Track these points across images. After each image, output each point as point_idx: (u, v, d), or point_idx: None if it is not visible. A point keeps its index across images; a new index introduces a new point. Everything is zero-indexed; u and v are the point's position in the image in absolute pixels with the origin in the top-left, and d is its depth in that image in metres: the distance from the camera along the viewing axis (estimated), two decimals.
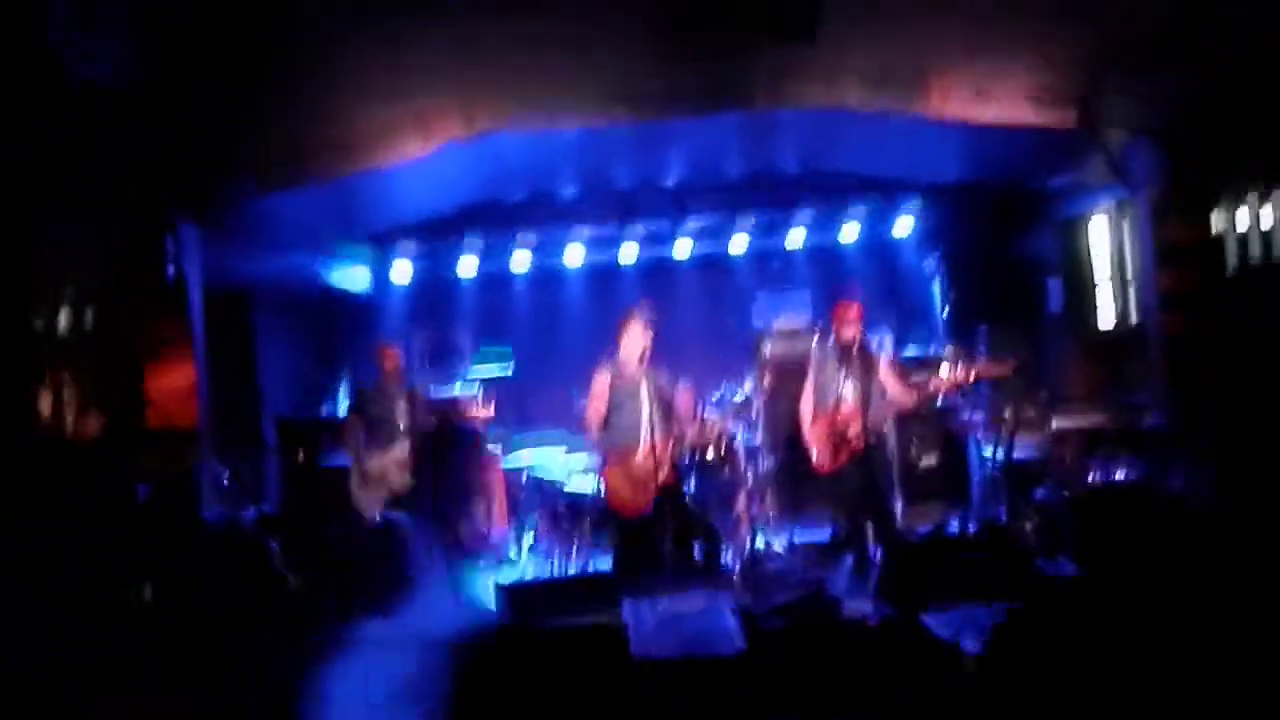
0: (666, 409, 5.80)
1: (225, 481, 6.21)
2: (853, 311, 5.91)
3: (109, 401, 4.87)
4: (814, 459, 5.97)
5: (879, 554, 5.79)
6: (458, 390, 8.39)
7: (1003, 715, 3.63)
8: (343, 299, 8.98)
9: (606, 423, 5.79)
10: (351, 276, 8.84)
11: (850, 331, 5.86)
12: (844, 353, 5.85)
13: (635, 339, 5.72)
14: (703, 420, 6.33)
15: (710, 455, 6.66)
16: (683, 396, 7.33)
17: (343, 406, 7.98)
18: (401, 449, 5.98)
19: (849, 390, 5.79)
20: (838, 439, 5.84)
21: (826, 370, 5.96)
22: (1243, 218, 4.98)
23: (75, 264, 4.71)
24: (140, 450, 5.04)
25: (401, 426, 6.01)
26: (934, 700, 4.08)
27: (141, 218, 5.13)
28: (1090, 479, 5.96)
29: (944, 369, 5.72)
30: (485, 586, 5.98)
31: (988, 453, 7.02)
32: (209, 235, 5.72)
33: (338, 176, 5.53)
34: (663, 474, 5.67)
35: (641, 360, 5.74)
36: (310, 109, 5.14)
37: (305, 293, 8.53)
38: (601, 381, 5.79)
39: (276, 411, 7.99)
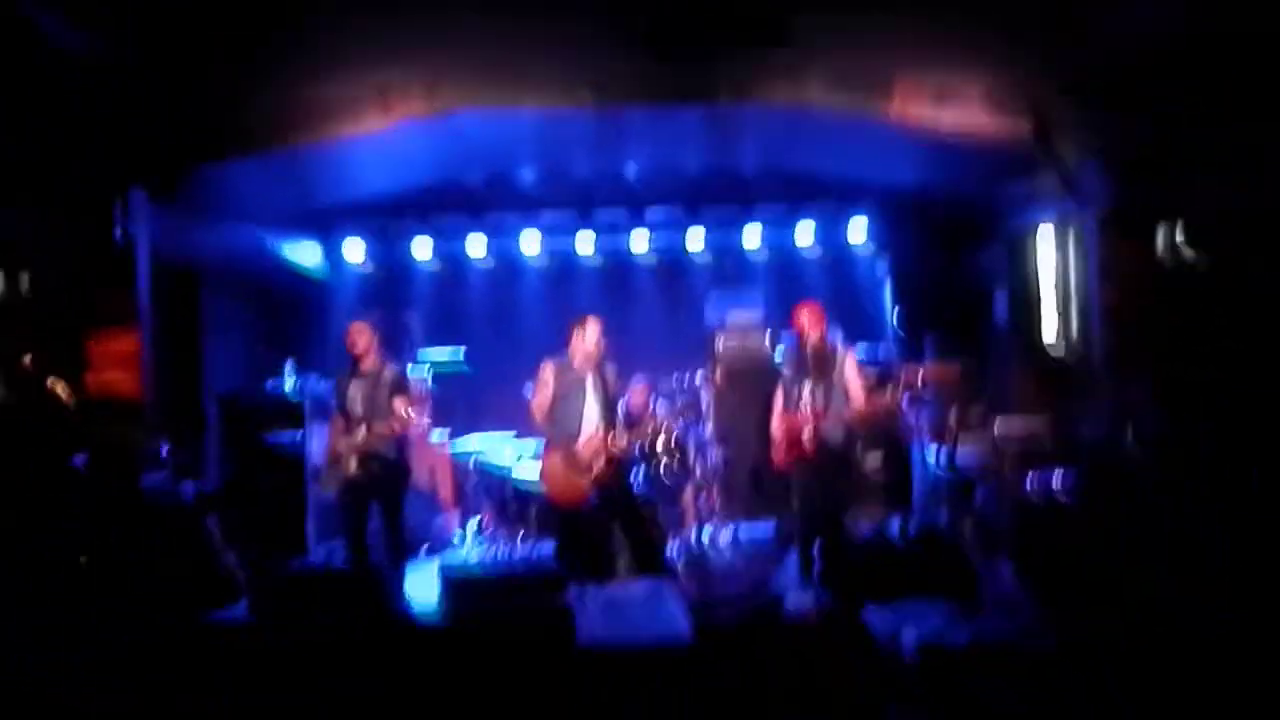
0: (610, 404, 5.90)
1: (164, 455, 6.09)
2: (805, 314, 5.97)
3: (50, 367, 4.74)
4: (775, 455, 6.02)
5: (822, 552, 5.87)
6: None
7: (940, 706, 3.71)
8: (292, 276, 8.82)
9: (550, 413, 5.85)
10: (302, 254, 8.69)
11: (813, 333, 5.91)
12: (802, 354, 5.90)
13: (587, 342, 5.82)
14: (654, 414, 6.37)
15: (660, 448, 6.70)
16: (637, 392, 7.38)
17: (288, 384, 7.82)
18: (359, 436, 5.76)
19: (808, 392, 5.85)
20: (794, 440, 5.90)
21: (788, 370, 6.03)
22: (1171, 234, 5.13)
23: (22, 226, 4.57)
24: (80, 418, 4.91)
25: (359, 413, 5.80)
26: (874, 692, 4.16)
27: (92, 183, 4.98)
28: (1028, 486, 6.09)
29: (906, 376, 5.80)
30: (430, 573, 5.92)
31: (930, 457, 7.16)
32: (159, 204, 5.58)
33: (294, 147, 5.43)
34: (599, 466, 5.74)
35: (589, 359, 5.84)
36: (269, 79, 5.04)
37: (254, 268, 8.36)
38: (548, 371, 5.86)
39: (219, 388, 7.83)
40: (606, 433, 5.79)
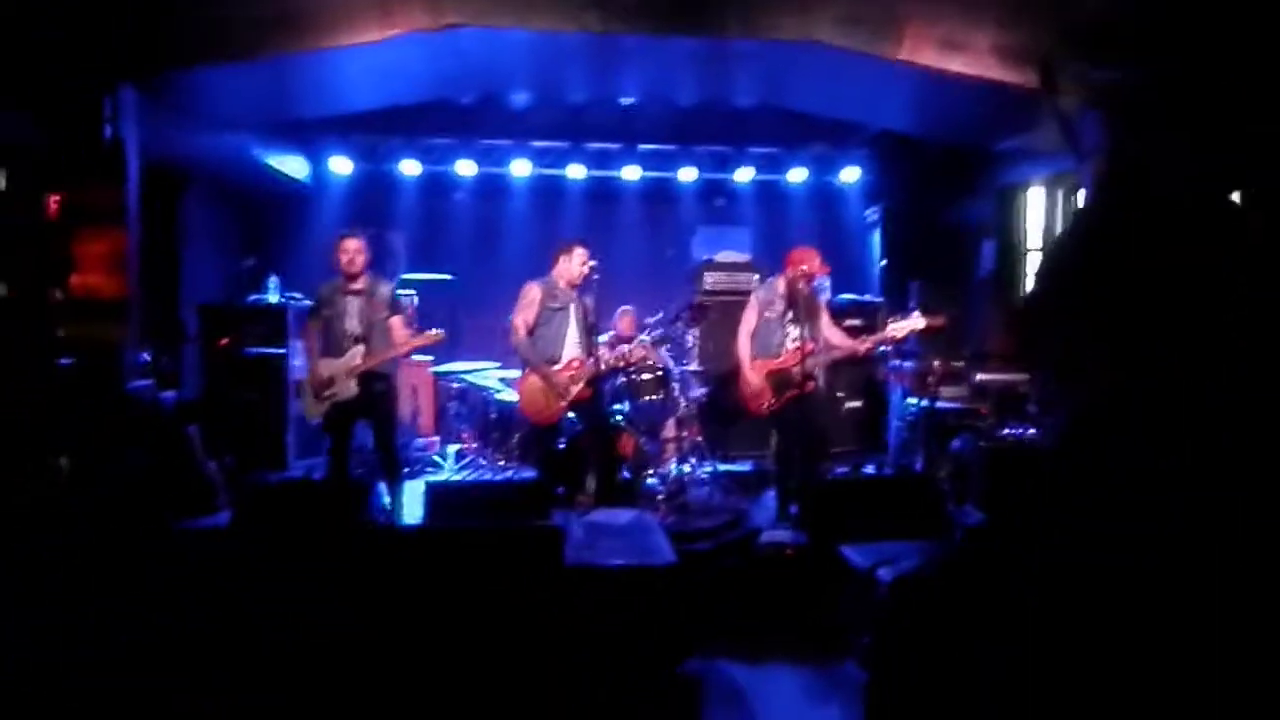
0: (590, 331, 5.99)
1: (145, 361, 6.05)
2: (815, 258, 5.98)
3: (36, 265, 4.65)
4: (750, 398, 6.06)
5: (799, 489, 5.97)
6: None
7: (911, 640, 3.83)
8: (277, 186, 8.69)
9: (530, 334, 5.92)
10: (289, 163, 8.54)
11: (807, 277, 5.93)
12: (793, 296, 5.92)
13: (572, 268, 5.88)
14: (638, 344, 6.41)
15: (644, 378, 6.74)
16: (624, 319, 7.41)
17: (271, 297, 7.75)
18: (354, 355, 5.61)
19: (794, 333, 5.90)
20: (779, 380, 5.95)
21: (771, 312, 6.03)
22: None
23: (7, 122, 4.45)
24: (65, 319, 4.84)
25: (356, 331, 5.63)
26: (847, 621, 4.28)
27: (80, 79, 4.84)
28: (1004, 434, 6.21)
29: (892, 323, 5.85)
30: (411, 492, 5.96)
31: (910, 402, 7.26)
32: (147, 103, 5.44)
33: (289, 53, 5.29)
34: (577, 389, 5.86)
35: (573, 285, 5.92)
36: None
37: (239, 175, 8.22)
38: (534, 293, 5.89)
39: (199, 297, 7.75)
40: (585, 358, 5.88)
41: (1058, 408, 1.08)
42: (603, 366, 6.03)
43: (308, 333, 5.83)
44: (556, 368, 5.88)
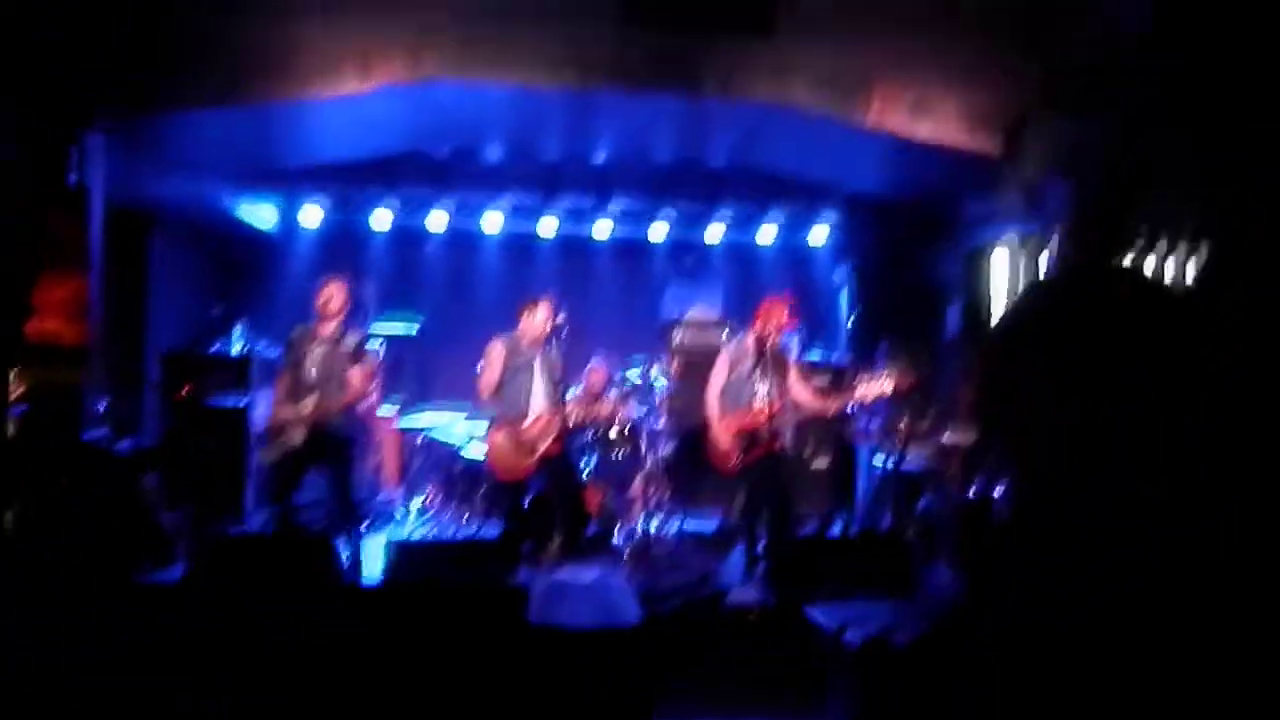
0: (557, 385, 6.00)
1: (102, 410, 5.90)
2: (783, 310, 6.01)
3: None
4: (718, 455, 6.03)
5: (766, 549, 5.92)
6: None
7: (883, 701, 3.77)
8: (247, 235, 8.63)
9: (497, 391, 5.94)
10: (259, 213, 8.49)
11: (777, 329, 5.96)
12: (761, 350, 5.93)
13: (535, 323, 5.93)
14: (609, 399, 6.39)
15: (613, 435, 6.70)
16: (595, 372, 7.38)
17: (236, 347, 7.64)
18: (310, 403, 5.52)
19: (763, 390, 5.89)
20: (748, 438, 5.93)
21: (741, 368, 6.03)
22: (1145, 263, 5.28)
23: None
24: (20, 364, 4.72)
25: (311, 380, 5.56)
26: (815, 683, 4.21)
27: (47, 122, 4.79)
28: (971, 493, 6.21)
29: (863, 384, 5.87)
30: (370, 546, 5.83)
31: (878, 461, 7.26)
32: (116, 148, 5.39)
33: (267, 102, 5.29)
34: (545, 445, 5.84)
35: (537, 340, 5.96)
36: (249, 28, 4.89)
37: (208, 223, 8.15)
38: (497, 350, 5.93)
39: (162, 344, 7.62)
40: (553, 413, 5.85)
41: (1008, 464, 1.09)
42: (571, 423, 6.01)
43: (280, 377, 5.77)
44: (525, 424, 5.85)
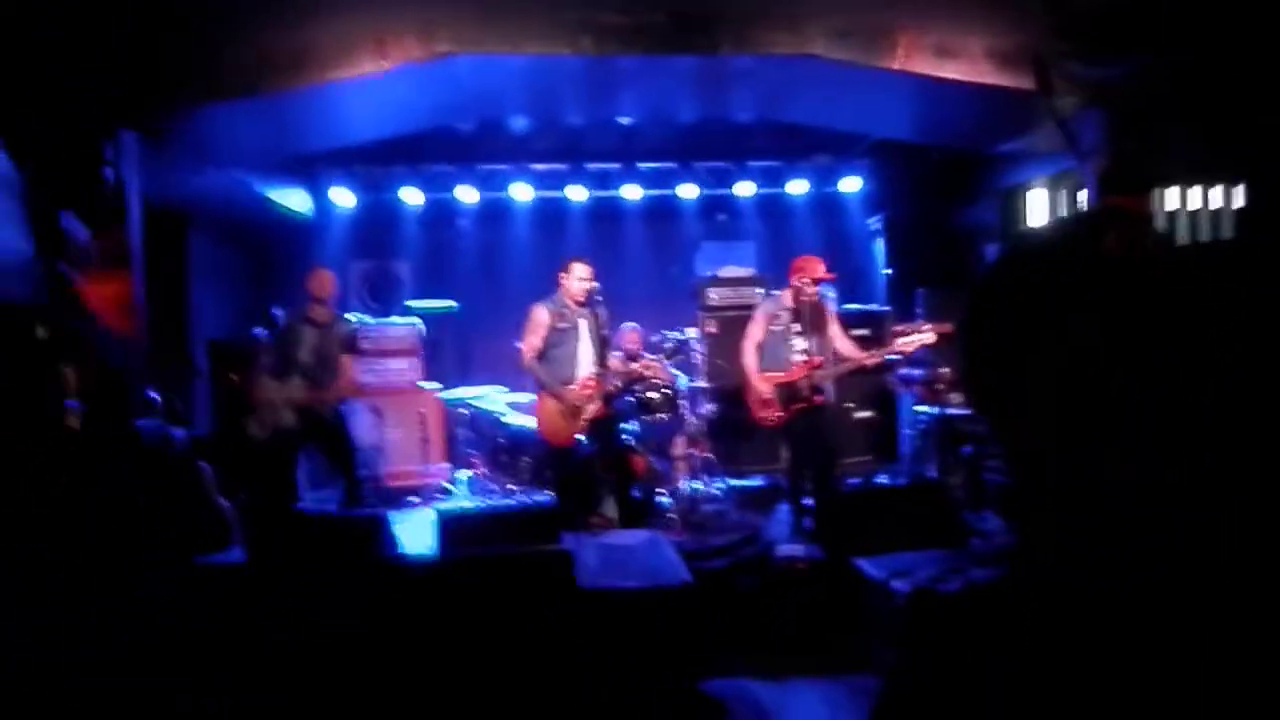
0: (603, 347, 5.94)
1: (155, 401, 6.06)
2: (819, 266, 5.99)
3: (43, 309, 4.68)
4: (759, 410, 6.05)
5: (813, 502, 5.95)
6: (397, 322, 8.29)
7: (930, 652, 3.80)
8: (282, 221, 8.74)
9: (542, 356, 5.88)
10: (292, 198, 8.59)
11: (814, 286, 5.94)
12: (800, 308, 5.93)
13: (574, 285, 5.84)
14: (647, 361, 6.40)
15: (653, 397, 6.74)
16: (629, 335, 7.40)
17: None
18: (293, 387, 5.78)
19: (801, 344, 5.89)
20: (787, 392, 5.94)
21: (777, 323, 6.03)
22: (1180, 197, 5.18)
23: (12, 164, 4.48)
24: (75, 359, 4.86)
25: (305, 362, 5.81)
26: (865, 634, 4.25)
27: (82, 121, 4.89)
28: None
29: (903, 336, 5.83)
30: (423, 521, 5.96)
31: (921, 410, 7.23)
32: (149, 145, 5.49)
33: (287, 90, 5.33)
34: (594, 409, 5.80)
35: (579, 302, 5.87)
36: (265, 19, 4.94)
37: (242, 213, 8.27)
38: (540, 315, 5.86)
39: (208, 333, 7.79)
40: (599, 376, 5.84)
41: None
42: (618, 382, 5.98)
43: (265, 351, 6.02)
44: (571, 387, 5.83)
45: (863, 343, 6.48)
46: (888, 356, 6.10)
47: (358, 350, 6.00)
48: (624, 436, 6.53)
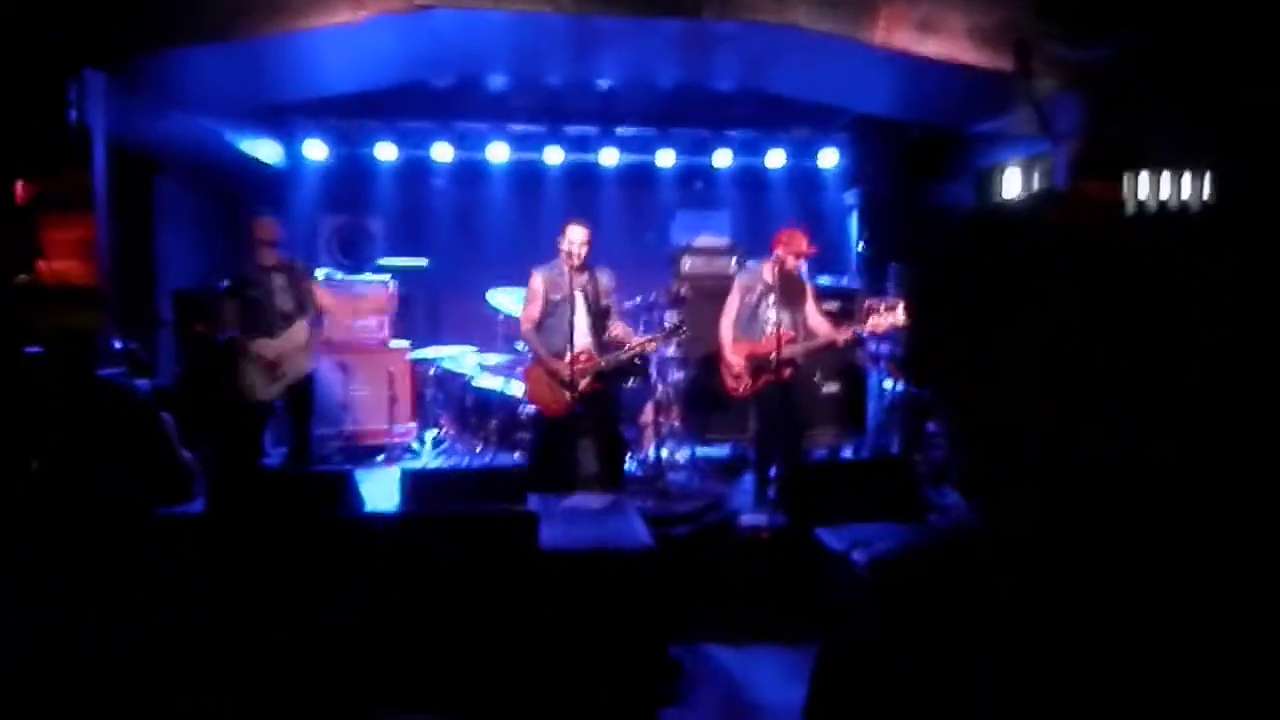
0: (602, 317, 5.83)
1: (118, 349, 5.98)
2: (802, 240, 6.00)
3: (5, 253, 4.59)
4: (729, 380, 6.08)
5: (777, 473, 6.01)
6: (368, 279, 8.20)
7: (889, 618, 3.87)
8: (252, 171, 8.58)
9: (539, 325, 5.78)
10: (263, 149, 8.44)
11: (796, 257, 5.95)
12: (778, 280, 5.94)
13: (571, 247, 5.66)
14: (646, 338, 6.38)
15: (624, 364, 6.73)
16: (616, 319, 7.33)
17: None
18: (297, 332, 5.90)
19: (776, 317, 5.90)
20: (760, 364, 5.97)
21: (752, 295, 6.05)
22: (1152, 185, 5.23)
23: None
24: (35, 307, 4.78)
25: (287, 308, 5.93)
26: (824, 602, 4.31)
27: (44, 63, 4.77)
28: None
29: (875, 314, 5.84)
30: (388, 479, 5.94)
31: (888, 384, 7.29)
32: (116, 87, 5.36)
33: (260, 35, 5.22)
34: (586, 384, 5.69)
35: (579, 268, 5.71)
36: None
37: (212, 161, 8.11)
38: (535, 284, 5.77)
39: (175, 282, 7.67)
40: (595, 349, 5.74)
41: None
42: (618, 357, 5.83)
43: (223, 314, 6.08)
44: (564, 360, 5.65)
45: (834, 317, 6.51)
46: (859, 333, 6.12)
47: (317, 281, 6.25)
48: (618, 405, 6.44)
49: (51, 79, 4.96)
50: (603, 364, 5.72)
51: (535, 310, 5.75)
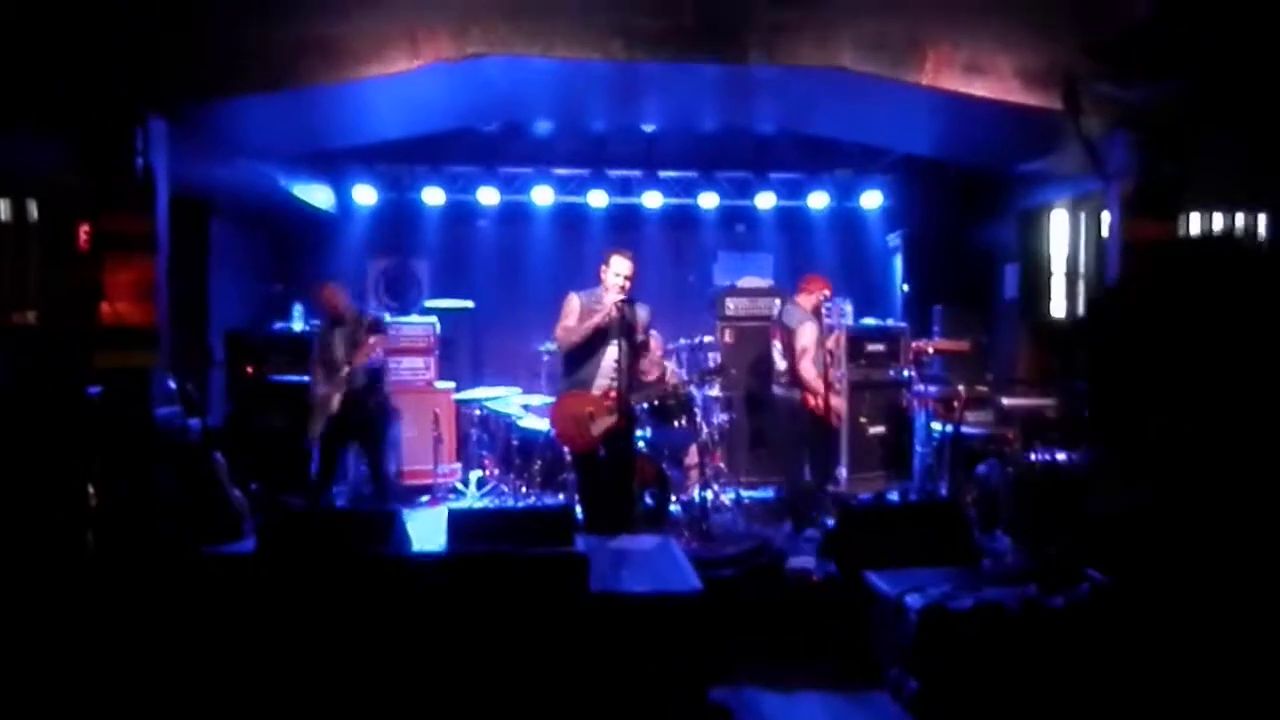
0: (633, 352, 5.54)
1: (172, 389, 6.10)
2: (824, 282, 6.36)
3: (69, 294, 4.73)
4: (835, 420, 6.37)
5: (823, 515, 5.96)
6: (414, 321, 8.31)
7: (943, 665, 3.78)
8: (303, 214, 8.78)
9: (576, 349, 5.46)
10: (314, 193, 8.64)
11: (825, 299, 6.12)
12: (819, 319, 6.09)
13: (614, 279, 5.35)
14: (664, 369, 6.39)
15: (669, 404, 6.73)
16: (650, 342, 7.32)
17: (297, 325, 7.84)
18: (342, 374, 6.20)
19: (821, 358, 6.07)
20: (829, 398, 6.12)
21: (823, 341, 6.23)
22: (1207, 220, 5.17)
23: (43, 152, 4.55)
24: (95, 347, 4.91)
25: (342, 356, 6.25)
26: (874, 648, 4.23)
27: (114, 108, 4.95)
28: (1032, 459, 6.14)
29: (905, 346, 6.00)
30: (434, 519, 5.97)
31: (935, 427, 7.21)
32: (176, 133, 5.53)
33: (319, 84, 5.36)
34: (611, 421, 5.40)
35: (615, 296, 5.35)
36: (300, 10, 4.98)
37: (265, 204, 8.32)
38: (572, 304, 5.44)
39: (226, 323, 7.83)
40: (624, 381, 5.38)
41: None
42: (643, 396, 5.72)
43: (315, 369, 6.48)
44: (593, 393, 5.40)
45: (878, 357, 6.61)
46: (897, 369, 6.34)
47: (383, 331, 6.41)
48: (637, 443, 6.43)
49: (121, 127, 5.15)
50: (630, 401, 5.47)
51: (571, 323, 5.41)
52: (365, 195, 8.92)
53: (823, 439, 6.14)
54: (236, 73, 5.26)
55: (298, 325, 7.82)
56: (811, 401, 6.23)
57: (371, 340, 6.13)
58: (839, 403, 6.33)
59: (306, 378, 7.43)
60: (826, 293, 6.34)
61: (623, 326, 5.38)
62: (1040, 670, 3.70)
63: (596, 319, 5.31)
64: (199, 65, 5.16)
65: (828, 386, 6.10)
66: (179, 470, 5.37)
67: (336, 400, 6.17)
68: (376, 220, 9.21)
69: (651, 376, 5.92)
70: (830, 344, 6.40)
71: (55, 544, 4.52)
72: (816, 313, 6.12)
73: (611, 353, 5.40)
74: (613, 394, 5.39)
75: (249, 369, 7.39)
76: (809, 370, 6.21)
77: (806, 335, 6.25)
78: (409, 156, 8.65)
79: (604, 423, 5.42)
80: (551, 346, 7.22)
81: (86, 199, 5.13)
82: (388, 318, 8.05)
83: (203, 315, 7.78)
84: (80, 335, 4.99)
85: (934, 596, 3.99)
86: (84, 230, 5.06)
